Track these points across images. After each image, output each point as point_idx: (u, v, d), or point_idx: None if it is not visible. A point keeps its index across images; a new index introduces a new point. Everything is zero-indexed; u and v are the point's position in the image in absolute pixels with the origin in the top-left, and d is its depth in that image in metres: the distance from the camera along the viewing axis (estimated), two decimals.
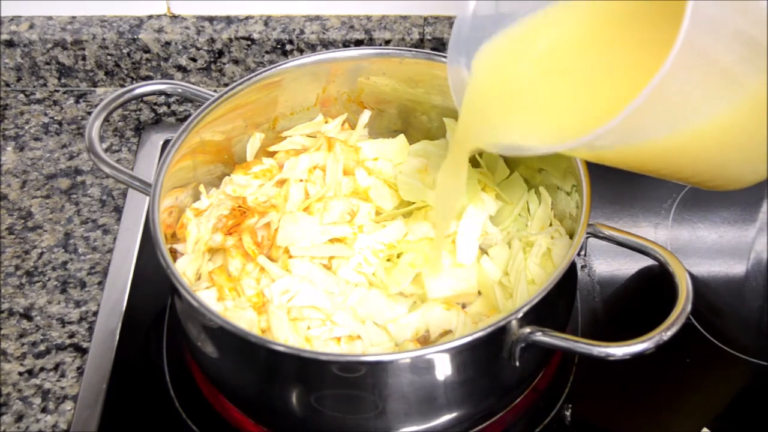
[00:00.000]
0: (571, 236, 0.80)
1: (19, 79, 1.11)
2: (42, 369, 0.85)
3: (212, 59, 1.09)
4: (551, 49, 0.75)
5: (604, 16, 0.73)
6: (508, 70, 0.76)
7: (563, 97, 0.73)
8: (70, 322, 0.88)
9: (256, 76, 0.86)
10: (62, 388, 0.84)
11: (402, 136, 0.91)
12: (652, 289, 0.89)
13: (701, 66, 0.62)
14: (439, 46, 1.06)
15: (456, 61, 0.76)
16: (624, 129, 0.61)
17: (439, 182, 0.82)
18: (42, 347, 0.86)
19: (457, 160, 0.78)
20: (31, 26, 1.08)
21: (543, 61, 0.75)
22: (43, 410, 0.82)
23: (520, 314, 0.69)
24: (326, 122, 0.91)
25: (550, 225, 0.84)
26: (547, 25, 0.75)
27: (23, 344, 0.87)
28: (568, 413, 0.81)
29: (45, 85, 1.11)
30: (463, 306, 0.81)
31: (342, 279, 0.81)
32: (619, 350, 0.68)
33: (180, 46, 1.08)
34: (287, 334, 0.76)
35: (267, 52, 1.08)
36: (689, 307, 0.69)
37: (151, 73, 1.10)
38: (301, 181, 0.87)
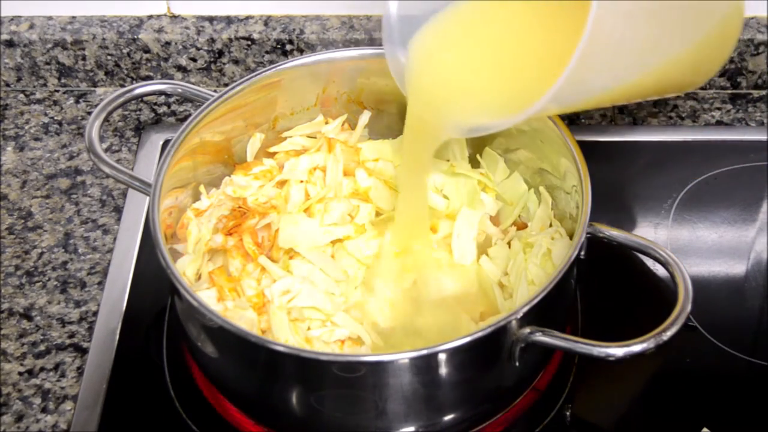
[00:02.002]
0: (571, 236, 0.80)
1: (19, 79, 1.11)
2: (42, 369, 0.85)
3: (212, 59, 1.09)
4: (487, 23, 0.75)
5: None
6: (448, 52, 0.76)
7: (508, 67, 0.74)
8: (70, 322, 0.88)
9: (256, 76, 0.86)
10: (62, 388, 0.84)
11: (402, 137, 0.91)
12: (652, 289, 0.89)
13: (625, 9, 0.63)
14: None
15: (393, 53, 0.77)
16: (571, 86, 0.62)
17: (401, 185, 0.82)
18: (42, 347, 0.86)
19: (417, 157, 0.79)
20: (31, 26, 1.08)
21: (481, 36, 0.75)
22: (43, 410, 0.82)
23: (520, 314, 0.69)
24: (326, 123, 0.91)
25: (550, 225, 0.84)
26: (476, 6, 0.76)
27: (23, 344, 0.87)
28: (568, 413, 0.81)
29: (45, 85, 1.11)
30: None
31: (343, 278, 0.81)
32: (619, 350, 0.68)
33: (180, 46, 1.08)
34: (287, 335, 0.76)
35: (267, 52, 1.08)
36: (689, 307, 0.69)
37: (151, 73, 1.10)
38: (302, 182, 0.87)
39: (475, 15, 0.76)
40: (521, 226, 0.87)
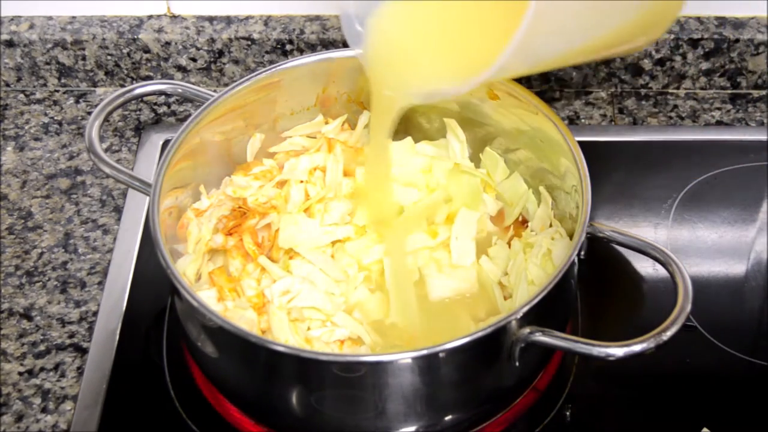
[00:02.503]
0: (571, 236, 0.80)
1: (19, 79, 1.11)
2: (42, 369, 0.85)
3: (212, 59, 1.09)
4: None
5: None
6: (403, 21, 0.77)
7: (461, 34, 0.75)
8: (70, 322, 0.88)
9: (256, 76, 0.86)
10: (62, 388, 0.84)
11: (409, 139, 0.91)
12: (652, 289, 0.89)
13: None
14: None
15: (350, 23, 0.78)
16: (521, 52, 0.64)
17: (369, 150, 0.84)
18: (42, 347, 0.86)
19: (381, 123, 0.79)
20: (31, 26, 1.08)
21: (434, 4, 0.76)
22: (43, 410, 0.82)
23: (520, 314, 0.69)
24: (326, 123, 0.91)
25: (550, 225, 0.84)
26: None
27: (23, 344, 0.87)
28: (568, 413, 0.81)
29: (45, 85, 1.11)
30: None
31: (343, 278, 0.81)
32: (619, 350, 0.68)
33: (180, 46, 1.08)
34: (287, 335, 0.76)
35: (267, 52, 1.08)
36: (689, 307, 0.69)
37: (151, 73, 1.10)
38: (302, 182, 0.87)
39: None
40: (522, 222, 0.87)
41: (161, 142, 1.04)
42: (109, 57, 1.09)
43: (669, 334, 0.68)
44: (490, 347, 0.70)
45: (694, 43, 1.06)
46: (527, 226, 0.86)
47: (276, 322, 0.77)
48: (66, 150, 1.04)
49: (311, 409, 0.73)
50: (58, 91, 1.11)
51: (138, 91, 0.88)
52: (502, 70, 0.67)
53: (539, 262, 0.80)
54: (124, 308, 0.88)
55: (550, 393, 0.81)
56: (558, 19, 0.67)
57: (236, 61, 1.09)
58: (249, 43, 1.07)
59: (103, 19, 1.09)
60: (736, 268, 0.91)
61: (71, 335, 0.87)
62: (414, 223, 0.85)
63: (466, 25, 0.75)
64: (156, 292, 0.88)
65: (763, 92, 1.09)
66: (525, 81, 1.08)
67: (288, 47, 1.07)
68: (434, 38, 0.76)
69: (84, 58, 1.09)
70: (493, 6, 0.73)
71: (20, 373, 0.85)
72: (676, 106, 1.08)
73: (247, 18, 1.09)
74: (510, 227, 0.86)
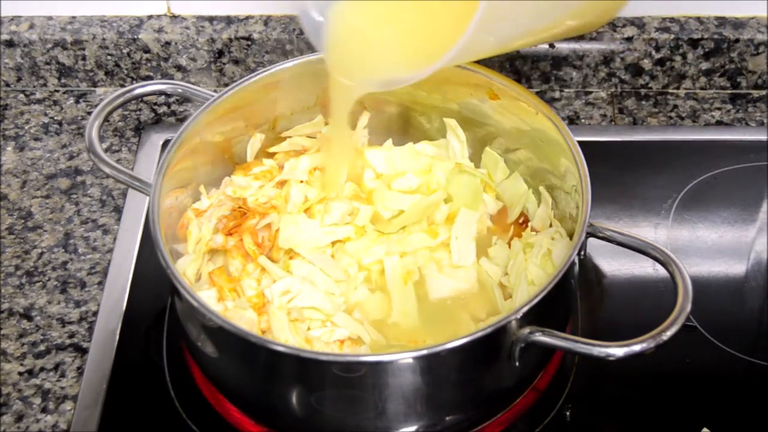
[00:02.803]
0: (571, 236, 0.80)
1: (19, 79, 1.11)
2: (42, 369, 0.85)
3: (212, 59, 1.09)
4: None
5: None
6: (360, 10, 0.78)
7: (417, 21, 0.76)
8: (70, 322, 0.88)
9: (256, 76, 0.86)
10: (62, 388, 0.84)
11: (410, 145, 0.91)
12: (652, 289, 0.89)
13: None
14: None
15: (307, 11, 0.79)
16: (478, 37, 0.66)
17: (330, 137, 0.85)
18: (42, 347, 0.86)
19: (339, 112, 0.81)
20: (31, 26, 1.08)
21: None
22: (43, 410, 0.82)
23: (520, 314, 0.69)
24: (326, 123, 0.91)
25: (550, 225, 0.84)
26: None
27: (23, 344, 0.87)
28: (568, 413, 0.81)
29: (45, 85, 1.11)
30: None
31: (343, 278, 0.81)
32: (619, 350, 0.68)
33: (180, 46, 1.08)
34: (287, 335, 0.76)
35: (267, 52, 1.08)
36: (689, 307, 0.69)
37: (151, 73, 1.10)
38: (302, 182, 0.87)
39: None
40: (523, 222, 0.87)
41: (161, 142, 1.04)
42: (109, 57, 1.09)
43: (669, 334, 0.68)
44: (490, 347, 0.70)
45: (694, 43, 1.06)
46: (527, 226, 0.86)
47: (276, 322, 0.77)
48: (66, 150, 1.04)
49: (311, 409, 0.73)
50: (58, 91, 1.11)
51: (138, 91, 0.88)
52: (461, 54, 0.68)
53: (539, 262, 0.80)
54: (124, 308, 0.88)
55: (550, 393, 0.81)
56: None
57: (236, 61, 1.09)
58: (249, 43, 1.07)
59: (103, 19, 1.09)
60: (736, 268, 0.91)
61: (71, 335, 0.87)
62: (414, 223, 0.85)
63: (425, 11, 0.75)
64: (156, 292, 0.88)
65: (763, 92, 1.09)
66: (525, 81, 1.08)
67: (288, 47, 1.07)
68: (392, 25, 0.77)
69: (84, 58, 1.09)
70: None
71: (20, 373, 0.85)
72: (676, 106, 1.08)
73: (247, 18, 1.09)
74: (510, 227, 0.86)
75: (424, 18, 0.76)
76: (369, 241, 0.83)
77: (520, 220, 0.87)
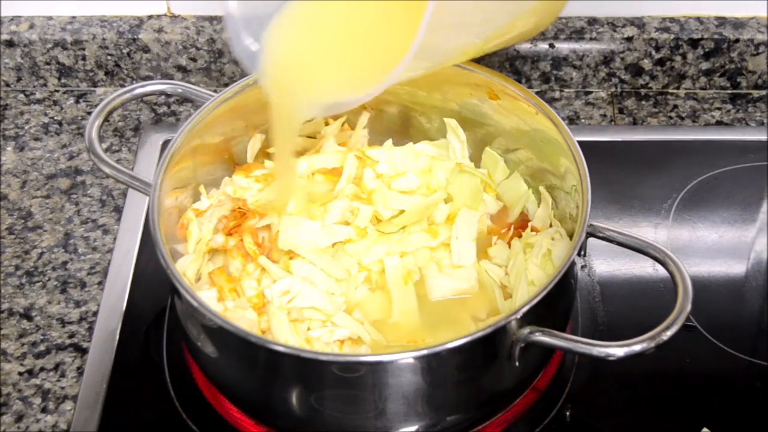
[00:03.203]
0: (571, 236, 0.80)
1: (19, 79, 1.11)
2: (42, 369, 0.85)
3: (212, 59, 1.09)
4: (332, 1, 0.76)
5: None
6: (297, 33, 0.76)
7: (359, 41, 0.74)
8: (70, 322, 0.88)
9: None
10: (62, 388, 0.84)
11: (410, 145, 0.91)
12: (652, 289, 0.89)
13: None
14: None
15: (240, 40, 0.77)
16: (423, 53, 0.65)
17: (275, 165, 0.84)
18: (42, 347, 0.86)
19: (283, 141, 0.79)
20: (31, 26, 1.09)
21: (328, 14, 0.76)
22: (43, 410, 0.82)
23: (520, 314, 0.69)
24: (326, 124, 0.91)
25: (551, 226, 0.84)
26: None
27: (23, 344, 0.87)
28: (568, 413, 0.81)
29: (45, 85, 1.11)
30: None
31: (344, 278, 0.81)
32: (619, 350, 0.68)
33: (180, 46, 1.08)
34: (287, 335, 0.76)
35: None
36: (689, 307, 0.69)
37: (151, 73, 1.10)
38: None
39: None
40: (524, 223, 0.87)
41: (161, 142, 1.04)
42: (109, 57, 1.09)
43: (669, 334, 0.68)
44: (490, 347, 0.70)
45: (694, 43, 1.06)
46: (528, 226, 0.86)
47: (276, 323, 0.77)
48: (66, 150, 1.04)
49: (311, 409, 0.73)
50: (58, 91, 1.11)
51: (138, 91, 0.88)
52: (407, 72, 0.67)
53: (539, 263, 0.80)
54: (124, 308, 0.88)
55: (550, 393, 0.81)
56: (456, 14, 0.67)
57: (236, 61, 1.09)
58: None
59: (103, 19, 1.09)
60: (736, 268, 0.91)
61: (71, 335, 0.87)
62: (414, 223, 0.85)
63: (366, 31, 0.74)
64: (156, 292, 0.88)
65: (763, 92, 1.09)
66: (525, 81, 1.09)
67: None
68: (334, 47, 0.76)
69: (84, 58, 1.09)
70: (391, 10, 0.72)
71: (20, 373, 0.85)
72: (676, 106, 1.08)
73: None
74: (510, 227, 0.86)
75: (368, 33, 0.74)
76: (369, 241, 0.83)
77: (520, 219, 0.87)
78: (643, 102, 1.08)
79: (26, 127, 1.06)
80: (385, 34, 0.73)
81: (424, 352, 0.68)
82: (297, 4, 0.77)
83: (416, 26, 0.63)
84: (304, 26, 0.77)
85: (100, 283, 0.91)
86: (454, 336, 0.68)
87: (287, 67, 0.76)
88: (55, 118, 1.08)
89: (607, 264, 0.91)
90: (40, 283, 0.91)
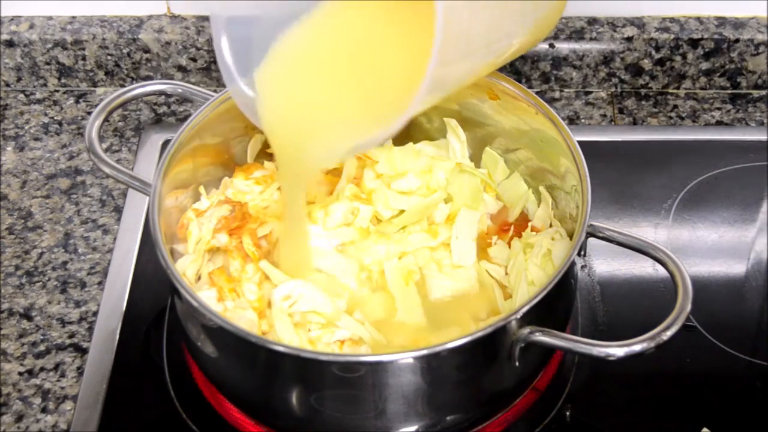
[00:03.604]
0: (571, 236, 0.80)
1: (19, 79, 1.11)
2: (42, 369, 0.85)
3: (212, 59, 1.09)
4: (333, 41, 0.73)
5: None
6: (298, 80, 0.74)
7: (367, 80, 0.72)
8: (70, 322, 0.88)
9: None
10: (62, 388, 0.84)
11: (410, 144, 0.91)
12: (652, 289, 0.89)
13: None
14: None
15: (238, 89, 0.74)
16: (434, 86, 0.62)
17: (284, 224, 0.80)
18: (42, 347, 0.86)
19: (294, 191, 0.76)
20: (31, 26, 1.08)
21: (330, 56, 0.73)
22: (43, 410, 0.82)
23: (520, 314, 0.69)
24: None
25: (551, 226, 0.84)
26: (321, 24, 0.73)
27: (23, 344, 0.87)
28: (568, 413, 0.81)
29: (45, 85, 1.11)
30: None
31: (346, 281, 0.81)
32: (619, 350, 0.68)
33: (180, 46, 1.08)
34: (292, 336, 0.76)
35: None
36: (689, 307, 0.69)
37: (151, 73, 1.10)
38: None
39: (319, 36, 0.74)
40: (524, 222, 0.87)
41: (161, 142, 1.04)
42: (109, 57, 1.09)
43: (669, 334, 0.68)
44: (490, 347, 0.70)
45: (694, 43, 1.06)
46: (527, 226, 0.86)
47: (279, 325, 0.77)
48: (66, 150, 1.04)
49: (311, 409, 0.73)
50: (58, 91, 1.11)
51: (138, 91, 0.88)
52: (421, 106, 0.64)
53: (539, 263, 0.80)
54: (124, 308, 0.88)
55: (550, 393, 0.81)
56: (464, 42, 0.66)
57: None
58: None
59: (103, 19, 1.09)
60: (736, 268, 0.91)
61: (71, 335, 0.87)
62: (414, 223, 0.85)
63: (374, 66, 0.71)
64: (156, 292, 0.88)
65: (763, 92, 1.09)
66: (525, 81, 1.08)
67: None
68: (338, 88, 0.72)
69: (84, 58, 1.09)
70: (397, 39, 0.70)
71: (20, 373, 0.85)
72: (676, 106, 1.08)
73: None
74: (510, 227, 0.86)
75: (372, 75, 0.71)
76: (370, 241, 0.83)
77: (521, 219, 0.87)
78: (643, 102, 1.08)
79: (26, 127, 1.06)
80: (392, 70, 0.71)
81: (424, 352, 0.68)
82: (288, 46, 0.74)
83: (424, 54, 0.61)
84: (303, 71, 0.73)
85: (100, 283, 0.91)
86: (455, 336, 0.68)
87: (291, 117, 0.73)
88: (55, 118, 1.08)
89: (607, 264, 0.91)
90: (40, 283, 0.91)
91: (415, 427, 0.74)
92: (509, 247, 0.84)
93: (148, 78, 1.10)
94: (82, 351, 0.86)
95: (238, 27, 0.73)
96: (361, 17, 0.72)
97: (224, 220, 0.84)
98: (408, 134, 0.92)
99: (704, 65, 1.07)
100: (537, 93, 1.01)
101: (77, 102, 1.10)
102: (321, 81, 0.73)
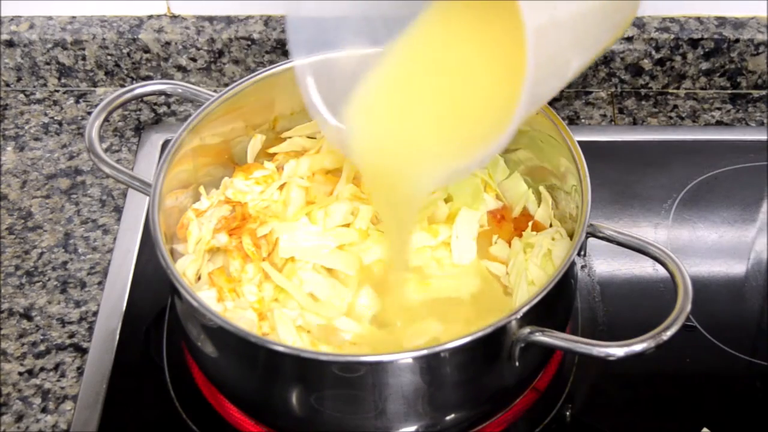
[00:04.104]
0: (571, 236, 0.80)
1: (19, 79, 1.11)
2: (42, 369, 0.85)
3: (212, 59, 1.09)
4: (424, 70, 0.73)
5: (451, 19, 0.73)
6: (394, 111, 0.74)
7: (464, 103, 0.72)
8: (70, 322, 0.88)
9: (256, 76, 0.86)
10: (62, 388, 0.84)
11: None
12: (652, 289, 0.89)
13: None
14: None
15: (329, 126, 0.75)
16: (530, 102, 0.63)
17: (387, 240, 0.81)
18: (42, 347, 0.86)
19: (401, 222, 0.77)
20: (31, 26, 1.08)
21: (424, 84, 0.73)
22: (43, 410, 0.82)
23: (520, 314, 0.69)
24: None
25: (551, 226, 0.84)
26: (408, 52, 0.74)
27: (23, 344, 0.87)
28: (568, 413, 0.81)
29: (45, 85, 1.11)
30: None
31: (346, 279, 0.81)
32: (619, 350, 0.68)
33: (180, 46, 1.08)
34: (294, 338, 0.76)
35: (267, 52, 1.08)
36: (689, 307, 0.69)
37: (151, 73, 1.10)
38: (301, 186, 0.87)
39: (407, 64, 0.74)
40: (525, 220, 0.87)
41: (161, 142, 1.04)
42: (109, 57, 1.09)
43: (669, 334, 0.68)
44: (490, 347, 0.70)
45: (694, 43, 1.06)
46: (528, 226, 0.86)
47: (281, 327, 0.77)
48: (66, 150, 1.04)
49: (311, 409, 0.73)
50: (58, 91, 1.11)
51: (138, 91, 0.88)
52: (521, 120, 0.64)
53: (539, 263, 0.80)
54: (124, 308, 0.88)
55: (550, 393, 0.81)
56: (554, 60, 0.66)
57: (236, 61, 1.09)
58: (249, 43, 1.07)
59: (103, 19, 1.09)
60: (736, 268, 0.91)
61: (71, 335, 0.87)
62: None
63: (467, 94, 0.72)
64: (156, 292, 0.88)
65: (763, 92, 1.09)
66: None
67: (288, 47, 1.07)
68: (437, 118, 0.73)
69: (84, 58, 1.09)
70: (489, 64, 0.71)
71: (20, 373, 0.85)
72: (676, 106, 1.08)
73: (247, 18, 1.09)
74: (511, 225, 0.86)
75: (467, 96, 0.72)
76: (370, 241, 0.83)
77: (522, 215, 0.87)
78: (643, 102, 1.08)
79: (26, 127, 1.06)
80: (484, 92, 0.71)
81: (424, 352, 0.68)
82: (376, 78, 0.74)
83: (515, 71, 0.62)
84: (397, 102, 0.74)
85: (100, 283, 0.91)
86: (455, 336, 0.68)
87: (388, 149, 0.74)
88: (55, 118, 1.08)
89: (607, 264, 0.91)
90: (40, 283, 0.91)
91: (415, 427, 0.74)
92: (509, 246, 0.84)
93: (148, 78, 1.10)
94: (82, 351, 0.86)
95: (321, 67, 0.75)
96: (448, 42, 0.73)
97: (224, 220, 0.84)
98: None
99: (704, 65, 1.07)
100: None
101: (77, 102, 1.10)
102: (414, 109, 0.74)
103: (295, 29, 0.73)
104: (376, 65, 0.75)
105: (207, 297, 0.79)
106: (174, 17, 1.09)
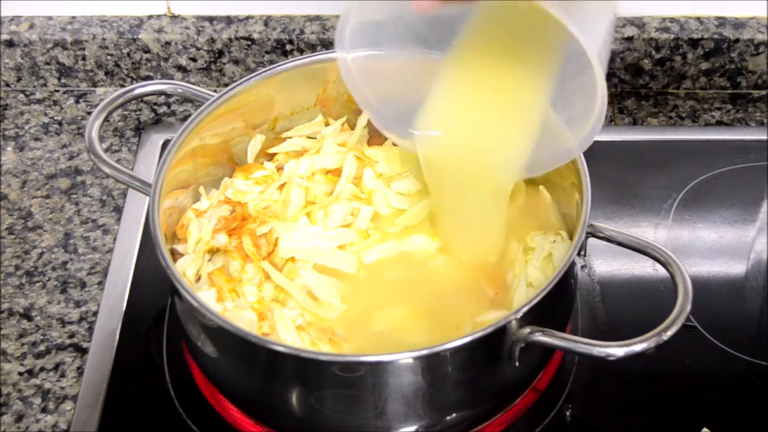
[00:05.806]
0: (571, 237, 0.80)
1: (19, 79, 1.11)
2: (42, 369, 0.85)
3: (212, 59, 1.09)
4: (495, 72, 0.77)
5: (497, 28, 0.77)
6: (474, 113, 0.78)
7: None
8: (70, 322, 0.88)
9: (255, 76, 0.86)
10: (62, 388, 0.84)
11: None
12: (652, 289, 0.89)
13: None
14: None
15: (402, 139, 0.80)
16: None
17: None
18: (42, 347, 0.86)
19: (492, 215, 0.81)
20: (31, 26, 1.09)
21: (498, 85, 0.77)
22: (43, 410, 0.82)
23: (520, 314, 0.69)
24: (327, 124, 0.91)
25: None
26: (476, 55, 0.78)
27: (23, 344, 0.87)
28: (568, 413, 0.81)
29: (45, 85, 1.11)
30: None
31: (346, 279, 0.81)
32: (619, 350, 0.68)
33: (180, 46, 1.08)
34: (295, 338, 0.76)
35: (267, 52, 1.08)
36: (689, 307, 0.69)
37: (151, 73, 1.10)
38: (300, 186, 0.87)
39: (480, 68, 0.78)
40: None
41: (161, 142, 1.04)
42: (109, 57, 1.09)
43: (669, 334, 0.68)
44: (490, 347, 0.70)
45: (694, 43, 1.06)
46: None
47: (282, 328, 0.77)
48: (66, 150, 1.04)
49: (311, 409, 0.73)
50: (58, 91, 1.11)
51: (138, 91, 0.88)
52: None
53: (539, 265, 0.80)
54: (124, 308, 0.88)
55: (550, 393, 0.81)
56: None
57: (236, 61, 1.09)
58: (249, 43, 1.07)
59: (103, 19, 1.09)
60: (736, 268, 0.91)
61: (71, 335, 0.87)
62: (415, 223, 0.85)
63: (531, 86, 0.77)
64: (156, 292, 0.88)
65: (763, 92, 1.09)
66: None
67: (288, 47, 1.07)
68: (507, 108, 0.78)
69: (84, 58, 1.09)
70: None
71: (20, 373, 0.85)
72: (676, 106, 1.08)
73: (247, 18, 1.09)
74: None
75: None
76: (370, 241, 0.83)
77: None
78: (643, 102, 1.08)
79: (26, 127, 1.06)
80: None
81: (424, 352, 0.68)
82: (453, 85, 0.78)
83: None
84: (476, 99, 0.78)
85: (100, 283, 0.91)
86: (455, 335, 0.68)
87: (479, 146, 0.78)
88: (55, 118, 1.08)
89: (607, 264, 0.91)
90: (40, 283, 0.91)
91: (415, 427, 0.74)
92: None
93: (148, 78, 1.10)
94: (82, 351, 0.86)
95: (368, 65, 0.78)
96: (506, 43, 0.77)
97: (224, 221, 0.84)
98: None
99: (704, 65, 1.07)
100: None
101: (77, 102, 1.10)
102: (494, 107, 0.78)
103: (354, 32, 0.76)
104: (444, 72, 0.78)
105: (207, 297, 0.79)
106: (174, 17, 1.09)
